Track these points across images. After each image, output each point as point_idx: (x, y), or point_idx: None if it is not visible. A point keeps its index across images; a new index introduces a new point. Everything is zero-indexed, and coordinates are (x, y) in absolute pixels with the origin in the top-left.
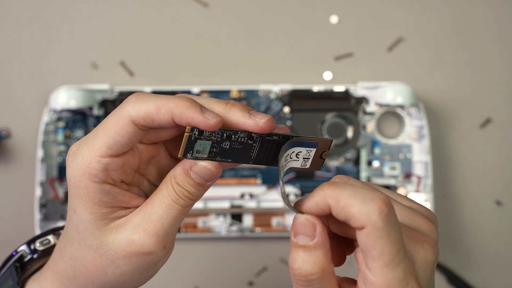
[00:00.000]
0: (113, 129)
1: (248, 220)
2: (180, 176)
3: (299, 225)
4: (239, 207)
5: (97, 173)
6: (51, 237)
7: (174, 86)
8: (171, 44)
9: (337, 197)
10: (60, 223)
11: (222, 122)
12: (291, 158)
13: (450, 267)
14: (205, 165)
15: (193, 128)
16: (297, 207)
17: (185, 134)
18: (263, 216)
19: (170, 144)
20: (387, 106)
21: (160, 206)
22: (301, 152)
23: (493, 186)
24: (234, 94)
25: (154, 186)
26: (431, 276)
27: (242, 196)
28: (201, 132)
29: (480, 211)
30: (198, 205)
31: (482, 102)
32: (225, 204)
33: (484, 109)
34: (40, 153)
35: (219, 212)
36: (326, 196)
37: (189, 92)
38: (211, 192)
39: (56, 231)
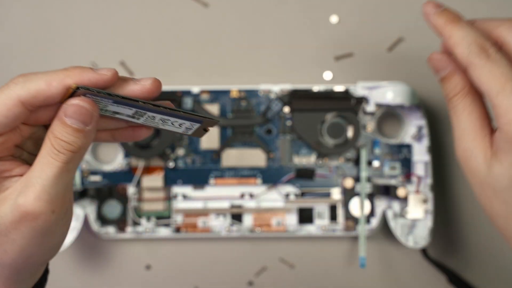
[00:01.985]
0: None
1: (248, 220)
2: (56, 127)
3: (434, 63)
4: (239, 207)
5: None
6: None
7: (174, 86)
8: (171, 44)
9: (451, 34)
10: None
11: (117, 74)
12: (172, 124)
13: (450, 267)
14: (78, 103)
15: (78, 87)
16: (426, 6)
17: (69, 89)
18: (263, 216)
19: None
20: (387, 106)
21: (40, 168)
22: (184, 123)
23: None
24: (234, 94)
25: (33, 155)
26: None
27: (242, 196)
28: (89, 90)
29: (480, 211)
30: (198, 205)
31: None
32: (225, 204)
33: None
34: None
35: (219, 212)
36: (444, 28)
37: (188, 93)
38: (211, 192)
39: None
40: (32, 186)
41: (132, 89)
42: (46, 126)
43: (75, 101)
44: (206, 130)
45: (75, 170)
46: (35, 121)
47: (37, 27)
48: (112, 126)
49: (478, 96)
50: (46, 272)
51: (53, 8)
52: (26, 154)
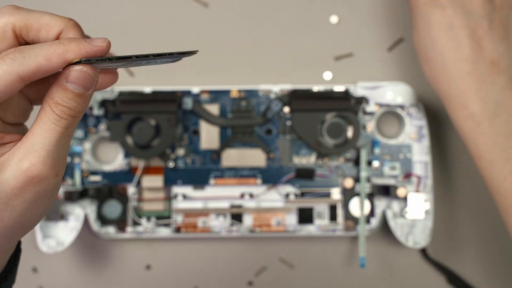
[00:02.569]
0: None
1: (248, 220)
2: (57, 93)
3: None
4: (239, 207)
5: None
6: None
7: (174, 86)
8: (171, 44)
9: None
10: (60, 223)
11: (110, 43)
12: (155, 62)
13: (450, 267)
14: (81, 68)
15: (80, 61)
16: None
17: (70, 63)
18: (263, 216)
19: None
20: (387, 106)
21: (41, 134)
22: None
23: None
24: (234, 94)
25: (12, 126)
26: None
27: (242, 196)
28: (90, 61)
29: (480, 211)
30: (198, 205)
31: None
32: (225, 204)
33: None
34: None
35: (219, 212)
36: None
37: (188, 93)
38: (211, 192)
39: None
40: (36, 151)
41: (91, 49)
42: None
43: (78, 67)
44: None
45: (73, 133)
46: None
47: None
48: None
49: None
50: (19, 242)
51: (52, 8)
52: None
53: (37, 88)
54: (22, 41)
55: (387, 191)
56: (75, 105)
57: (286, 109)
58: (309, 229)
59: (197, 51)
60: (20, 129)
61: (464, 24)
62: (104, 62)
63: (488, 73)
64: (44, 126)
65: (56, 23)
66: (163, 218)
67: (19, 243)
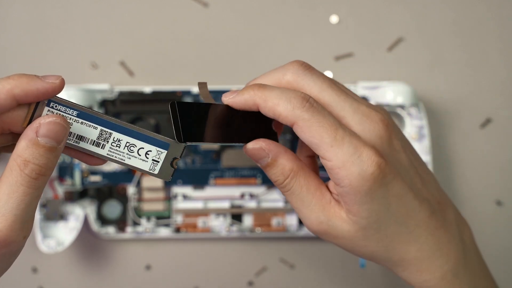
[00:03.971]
0: None
1: (248, 220)
2: (27, 149)
3: (252, 155)
4: (239, 207)
5: None
6: None
7: (174, 86)
8: (171, 44)
9: (265, 98)
10: (60, 223)
11: (64, 80)
12: (139, 154)
13: None
14: (54, 120)
15: (48, 102)
16: (224, 98)
17: (31, 106)
18: (263, 216)
19: None
20: (387, 106)
21: (9, 197)
22: (151, 151)
23: (493, 186)
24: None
25: None
26: (391, 152)
27: (242, 196)
28: (55, 102)
29: (480, 211)
30: (198, 205)
31: (482, 102)
32: (225, 204)
33: (484, 109)
34: None
35: (219, 212)
36: (255, 96)
37: (188, 93)
38: (211, 192)
39: None
40: (3, 216)
41: (42, 86)
42: None
43: (49, 119)
44: (173, 167)
45: (42, 192)
46: None
47: (36, 27)
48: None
49: (307, 167)
50: None
51: (53, 8)
52: None
53: None
54: None
55: None
56: (45, 161)
57: None
58: None
59: (185, 144)
60: None
61: (409, 186)
62: (73, 106)
63: (443, 216)
64: (11, 187)
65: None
66: (163, 218)
67: None
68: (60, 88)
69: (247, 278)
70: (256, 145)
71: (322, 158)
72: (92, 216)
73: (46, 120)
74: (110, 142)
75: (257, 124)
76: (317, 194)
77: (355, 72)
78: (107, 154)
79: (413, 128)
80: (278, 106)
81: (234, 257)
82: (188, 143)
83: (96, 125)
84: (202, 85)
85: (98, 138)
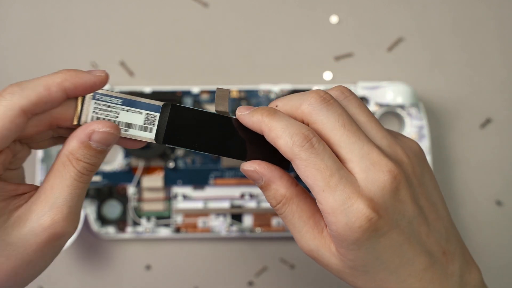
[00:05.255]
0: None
1: (248, 220)
2: (79, 150)
3: (246, 175)
4: (239, 207)
5: None
6: None
7: (174, 86)
8: (171, 44)
9: (270, 127)
10: None
11: (108, 74)
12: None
13: None
14: (108, 130)
15: (94, 95)
16: (238, 112)
17: (79, 98)
18: (263, 216)
19: None
20: (387, 106)
21: (63, 189)
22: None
23: (493, 186)
24: (234, 94)
25: (7, 170)
26: (394, 204)
27: (242, 196)
28: (103, 94)
29: (480, 211)
30: (198, 205)
31: (482, 102)
32: (225, 204)
33: (484, 109)
34: (40, 153)
35: (219, 212)
36: (262, 122)
37: (188, 93)
38: (211, 192)
39: None
40: (58, 208)
41: (90, 79)
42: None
43: (103, 128)
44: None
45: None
46: (25, 136)
47: (36, 27)
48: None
49: (303, 194)
50: None
51: (53, 8)
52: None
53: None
54: (32, 116)
55: None
56: (95, 161)
57: None
58: None
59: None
60: (20, 173)
61: (408, 237)
62: (109, 96)
63: (444, 268)
64: (65, 181)
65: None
66: (163, 218)
67: None
68: (106, 81)
69: (247, 278)
70: (250, 167)
71: (316, 200)
72: (92, 216)
73: (100, 128)
74: (156, 125)
75: (267, 145)
76: (309, 223)
77: (355, 72)
78: (155, 138)
79: (413, 128)
80: (279, 139)
81: (234, 257)
82: (168, 145)
83: (141, 110)
84: (223, 93)
85: (144, 123)
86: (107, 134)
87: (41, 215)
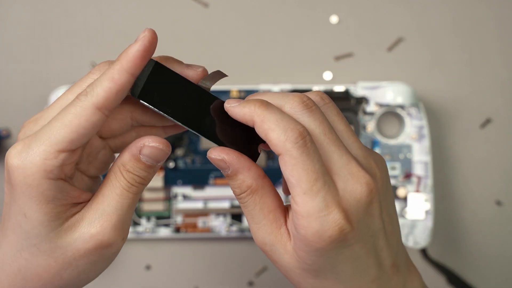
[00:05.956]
0: (75, 121)
1: None
2: (130, 162)
3: (213, 163)
4: (239, 207)
5: (53, 169)
6: None
7: None
8: (171, 44)
9: (263, 118)
10: None
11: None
12: None
13: (450, 267)
14: (157, 146)
15: (156, 63)
16: (227, 104)
17: (150, 61)
18: None
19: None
20: (387, 106)
21: (113, 198)
22: None
23: (493, 186)
24: (234, 94)
25: (83, 174)
26: (365, 217)
27: None
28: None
29: (480, 211)
30: (198, 205)
31: (482, 102)
32: (225, 204)
33: (484, 109)
34: None
35: (219, 212)
36: (254, 113)
37: None
38: (211, 192)
39: None
40: (108, 215)
41: (189, 75)
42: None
43: (153, 144)
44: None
45: (139, 198)
46: (108, 131)
47: (37, 27)
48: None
49: (269, 187)
50: None
51: (53, 8)
52: (82, 176)
53: (120, 137)
54: (109, 112)
55: None
56: (145, 174)
57: None
58: None
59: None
60: (96, 182)
61: (368, 250)
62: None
63: (390, 280)
64: (115, 190)
65: None
66: (163, 218)
67: None
68: (151, 39)
69: (247, 278)
70: (218, 156)
71: (292, 198)
72: None
73: (150, 143)
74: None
75: (245, 133)
76: (269, 217)
77: (355, 72)
78: (131, 90)
79: (413, 128)
80: (272, 132)
81: (234, 257)
82: (141, 101)
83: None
84: (218, 75)
85: None
86: (156, 149)
87: (91, 221)
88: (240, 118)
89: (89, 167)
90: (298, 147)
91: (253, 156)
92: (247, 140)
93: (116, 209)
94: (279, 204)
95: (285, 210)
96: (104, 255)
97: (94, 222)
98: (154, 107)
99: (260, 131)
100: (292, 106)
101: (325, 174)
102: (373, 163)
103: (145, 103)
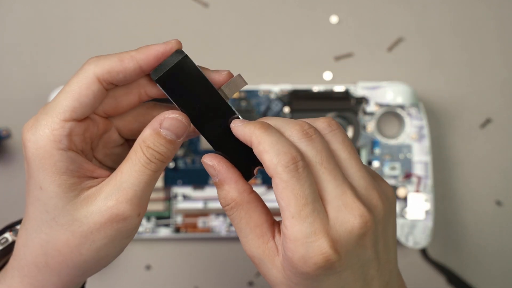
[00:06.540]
0: (77, 89)
1: None
2: (150, 137)
3: (205, 167)
4: None
5: (61, 138)
6: (8, 235)
7: None
8: None
9: (260, 140)
10: None
11: (180, 43)
12: None
13: (450, 267)
14: (176, 116)
15: (182, 53)
16: (232, 124)
17: (176, 47)
18: None
19: (122, 123)
20: (387, 106)
21: (131, 174)
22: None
23: (493, 186)
24: (235, 94)
25: (101, 164)
26: (356, 248)
27: None
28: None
29: (480, 211)
30: (198, 205)
31: (482, 102)
32: None
33: (484, 109)
34: None
35: (219, 212)
36: (252, 134)
37: None
38: (211, 192)
39: (12, 228)
40: (124, 190)
41: (214, 78)
42: (118, 134)
43: (173, 115)
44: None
45: (159, 176)
46: (116, 108)
47: (37, 27)
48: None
49: (256, 202)
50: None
51: (53, 8)
52: (94, 161)
53: (130, 126)
54: (108, 86)
55: None
56: (165, 150)
57: (286, 109)
58: None
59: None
60: (113, 159)
61: (355, 279)
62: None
63: None
64: (134, 167)
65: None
66: (163, 218)
67: (84, 282)
68: (176, 47)
69: (247, 278)
70: (210, 162)
71: (282, 221)
72: None
73: (170, 115)
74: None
75: (245, 153)
76: (256, 231)
77: (355, 72)
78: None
79: (413, 128)
80: (266, 154)
81: (234, 257)
82: (158, 85)
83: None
84: (239, 82)
85: None
86: (176, 120)
87: (108, 195)
88: (241, 138)
89: (105, 159)
90: (289, 171)
91: (247, 175)
92: (245, 159)
93: (133, 184)
94: (266, 219)
95: (274, 224)
96: (120, 230)
97: (111, 196)
98: (168, 94)
99: (256, 152)
100: (291, 133)
101: (316, 201)
102: (376, 194)
103: (161, 88)
